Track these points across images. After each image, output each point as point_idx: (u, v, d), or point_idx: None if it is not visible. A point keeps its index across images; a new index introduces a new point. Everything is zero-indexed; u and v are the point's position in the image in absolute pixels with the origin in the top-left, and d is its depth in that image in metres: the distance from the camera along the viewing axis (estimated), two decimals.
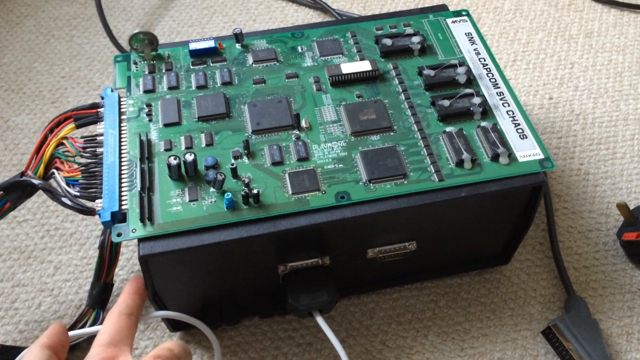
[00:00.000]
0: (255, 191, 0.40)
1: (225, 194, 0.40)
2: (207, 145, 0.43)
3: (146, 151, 0.43)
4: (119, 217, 0.40)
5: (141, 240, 0.39)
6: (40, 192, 0.48)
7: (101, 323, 0.42)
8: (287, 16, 0.73)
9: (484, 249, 0.49)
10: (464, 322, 0.49)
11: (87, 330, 0.42)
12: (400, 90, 0.47)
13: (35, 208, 0.55)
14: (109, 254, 0.45)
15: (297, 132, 0.44)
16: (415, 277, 0.50)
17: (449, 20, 0.52)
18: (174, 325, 0.47)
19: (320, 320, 0.43)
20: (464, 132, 0.43)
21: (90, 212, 0.41)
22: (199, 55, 0.49)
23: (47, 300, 0.50)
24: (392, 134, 0.44)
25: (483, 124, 0.44)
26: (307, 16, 0.73)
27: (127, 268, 0.52)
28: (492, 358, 0.47)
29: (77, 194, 0.41)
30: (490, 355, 0.47)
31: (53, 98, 0.65)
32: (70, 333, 0.42)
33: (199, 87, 0.47)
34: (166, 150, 0.43)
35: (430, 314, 0.49)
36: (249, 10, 0.74)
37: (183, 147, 0.43)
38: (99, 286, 0.47)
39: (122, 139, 0.44)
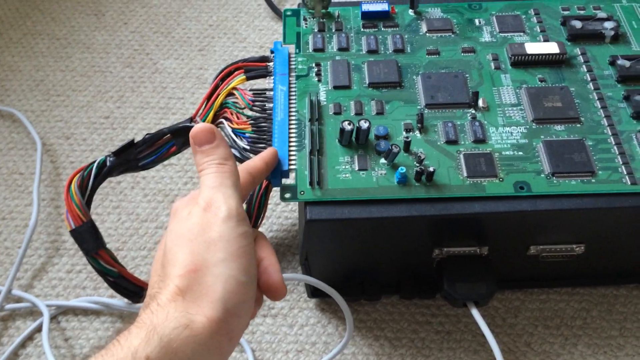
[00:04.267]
0: (430, 169, 0.38)
1: (399, 168, 0.38)
2: (377, 113, 0.41)
3: (316, 112, 0.41)
4: (287, 176, 0.39)
5: (309, 203, 0.38)
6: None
7: None
8: None
9: None
10: (618, 337, 0.45)
11: None
12: (589, 79, 0.43)
13: (180, 154, 0.55)
14: (257, 208, 0.45)
15: (474, 112, 0.42)
16: (572, 281, 0.47)
17: None
18: (313, 291, 0.46)
19: (475, 312, 0.41)
20: None
21: None
22: (370, 18, 0.47)
23: None
24: (578, 125, 0.41)
25: None
26: None
27: (266, 226, 0.51)
28: None
29: (247, 147, 0.40)
30: None
31: (200, 45, 0.64)
32: None
33: (370, 52, 0.45)
34: (335, 113, 0.41)
35: (581, 322, 0.46)
36: None
37: (353, 113, 0.41)
38: None
39: (292, 97, 0.42)
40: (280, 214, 0.52)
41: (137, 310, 0.44)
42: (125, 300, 0.44)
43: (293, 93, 0.43)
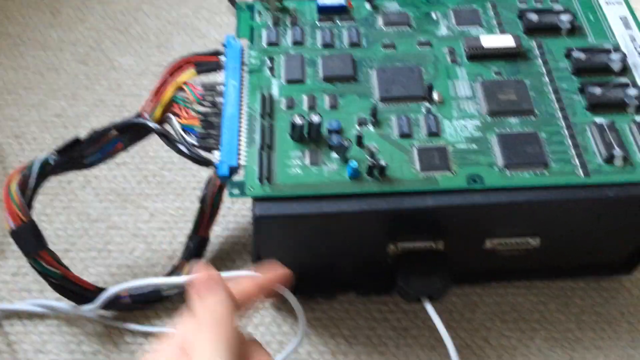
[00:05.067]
0: (382, 163, 0.37)
1: (351, 162, 0.37)
2: (331, 107, 0.41)
3: (267, 107, 0.40)
4: (236, 172, 0.38)
5: (257, 199, 0.37)
6: None
7: None
8: None
9: (607, 255, 0.45)
10: (575, 330, 0.45)
11: (184, 278, 0.40)
12: (544, 71, 0.43)
13: (134, 152, 0.54)
14: (210, 208, 0.44)
15: (428, 105, 0.41)
16: (527, 275, 0.46)
17: (601, 1, 0.47)
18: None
19: (429, 307, 0.40)
20: (616, 126, 0.39)
21: (206, 163, 0.39)
22: (326, 12, 0.46)
23: (141, 246, 0.49)
24: (533, 118, 0.40)
25: (638, 119, 0.40)
26: None
27: (222, 225, 0.50)
28: None
29: (195, 142, 0.39)
30: None
31: (158, 42, 0.63)
32: (171, 280, 0.41)
33: (325, 46, 0.44)
34: (288, 108, 0.41)
35: (539, 316, 0.46)
36: None
37: (305, 107, 0.41)
38: (197, 239, 0.45)
39: (243, 92, 0.41)
40: (237, 212, 0.51)
41: (83, 313, 0.43)
42: (71, 303, 0.43)
43: (245, 88, 0.42)
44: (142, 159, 0.54)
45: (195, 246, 0.45)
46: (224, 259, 0.48)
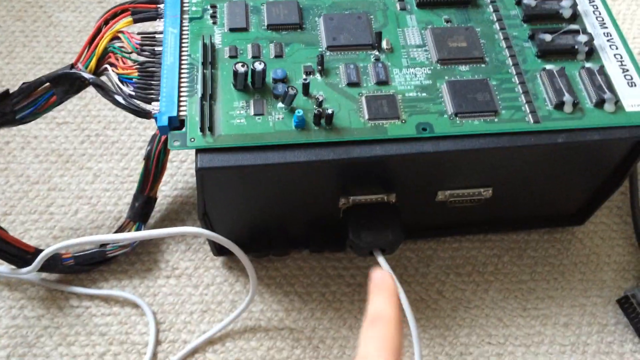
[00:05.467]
0: (329, 111, 0.36)
1: (296, 111, 0.36)
2: (276, 56, 0.39)
3: (209, 56, 0.38)
4: (176, 123, 0.36)
5: (199, 151, 0.35)
6: (82, 94, 0.44)
7: None
8: None
9: (559, 205, 0.45)
10: (528, 280, 0.45)
11: (129, 235, 0.39)
12: (495, 19, 0.41)
13: (76, 111, 0.51)
14: (155, 166, 0.42)
15: (377, 53, 0.40)
16: (481, 228, 0.46)
17: None
18: (219, 249, 0.44)
19: (381, 260, 0.39)
20: (566, 72, 0.39)
21: (145, 114, 0.37)
22: None
23: (85, 208, 0.47)
24: (483, 65, 0.39)
25: (588, 65, 0.39)
26: None
27: (171, 184, 0.48)
28: (556, 322, 0.43)
29: (132, 93, 0.37)
30: (555, 318, 0.43)
31: None
32: (110, 237, 0.39)
33: None
34: (231, 57, 0.39)
35: (493, 268, 0.45)
36: None
37: (250, 56, 0.39)
38: (142, 199, 0.43)
39: (184, 40, 0.39)
40: (187, 171, 0.49)
41: (23, 276, 0.41)
42: (10, 266, 0.41)
43: (185, 36, 0.40)
44: (85, 118, 0.51)
45: (142, 206, 0.44)
46: (174, 220, 0.47)
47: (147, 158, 0.42)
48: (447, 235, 0.46)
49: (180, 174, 0.49)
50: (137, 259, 0.45)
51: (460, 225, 0.46)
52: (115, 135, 0.51)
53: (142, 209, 0.44)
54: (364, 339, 0.28)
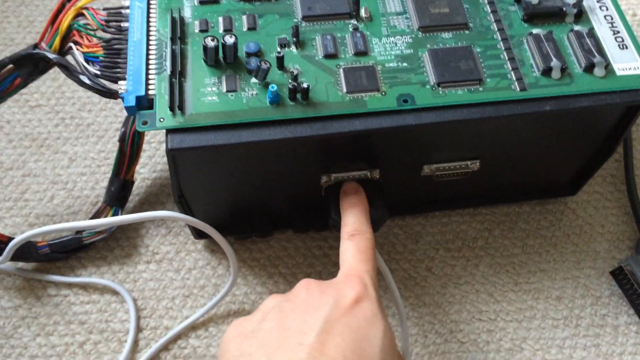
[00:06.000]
0: (304, 85, 0.34)
1: (270, 86, 0.34)
2: (249, 29, 0.37)
3: (178, 30, 0.36)
4: (145, 103, 0.34)
5: (170, 131, 0.33)
6: (55, 75, 0.43)
7: None
8: None
9: (551, 176, 0.44)
10: (520, 254, 0.44)
11: (103, 221, 0.37)
12: None
13: (50, 93, 0.50)
14: (130, 148, 0.41)
15: (355, 23, 0.38)
16: (471, 202, 0.45)
17: None
18: (199, 232, 0.42)
19: None
20: (554, 36, 0.37)
21: (112, 94, 0.35)
22: None
23: (61, 193, 0.45)
24: (467, 32, 0.37)
25: (577, 28, 0.37)
26: None
27: (149, 167, 0.47)
28: (549, 295, 0.42)
29: (98, 72, 0.35)
30: (548, 292, 0.42)
31: None
32: (83, 223, 0.38)
33: None
34: (201, 31, 0.37)
35: (483, 242, 0.44)
36: None
37: (221, 30, 0.37)
38: (118, 182, 0.42)
39: (151, 15, 0.37)
40: (165, 153, 0.47)
41: None
42: None
43: (153, 10, 0.38)
44: (59, 100, 0.49)
45: (118, 190, 0.42)
46: (153, 203, 0.45)
47: (122, 140, 0.40)
48: (435, 210, 0.45)
49: (158, 155, 0.47)
50: (116, 245, 0.43)
51: (448, 200, 0.44)
52: (91, 117, 0.49)
53: (118, 193, 0.42)
54: (345, 252, 0.34)
